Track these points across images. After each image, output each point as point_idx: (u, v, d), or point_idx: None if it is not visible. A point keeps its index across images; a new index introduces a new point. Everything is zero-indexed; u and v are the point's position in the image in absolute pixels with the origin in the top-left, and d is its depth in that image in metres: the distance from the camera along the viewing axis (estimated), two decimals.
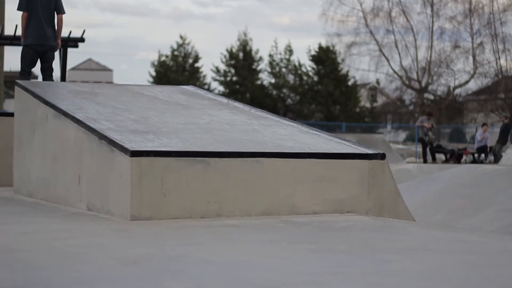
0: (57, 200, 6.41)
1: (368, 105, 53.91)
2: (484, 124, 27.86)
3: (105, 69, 65.44)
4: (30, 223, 5.31)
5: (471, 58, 45.27)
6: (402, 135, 50.75)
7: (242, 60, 51.31)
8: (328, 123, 43.13)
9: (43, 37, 9.53)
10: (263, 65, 52.08)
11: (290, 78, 51.87)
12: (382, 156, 5.97)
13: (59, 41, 9.79)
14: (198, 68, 52.83)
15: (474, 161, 26.22)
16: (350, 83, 50.80)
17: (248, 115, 7.18)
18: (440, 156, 28.06)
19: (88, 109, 6.61)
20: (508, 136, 26.25)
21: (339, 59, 50.68)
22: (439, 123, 42.00)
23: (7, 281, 3.16)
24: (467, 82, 46.65)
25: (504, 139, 25.44)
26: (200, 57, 53.41)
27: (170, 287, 3.11)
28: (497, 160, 24.16)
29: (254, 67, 51.75)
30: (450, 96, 48.60)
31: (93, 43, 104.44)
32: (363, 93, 54.47)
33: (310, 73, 51.24)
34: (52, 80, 9.45)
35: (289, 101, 51.91)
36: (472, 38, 44.85)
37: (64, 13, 9.70)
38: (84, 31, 12.06)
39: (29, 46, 9.56)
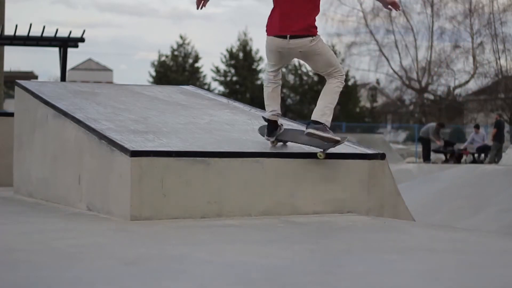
0: (57, 200, 6.40)
1: (368, 105, 53.91)
2: (475, 126, 27.71)
3: (105, 69, 65.40)
4: (30, 223, 5.31)
5: (471, 58, 45.22)
6: (402, 135, 50.70)
7: (242, 60, 51.32)
8: None
9: None
10: (263, 65, 52.06)
11: (290, 78, 51.86)
12: (382, 156, 5.97)
13: None
14: (198, 68, 52.84)
15: (474, 161, 26.20)
16: (350, 83, 50.77)
17: (248, 115, 7.17)
18: (440, 156, 28.01)
19: (88, 109, 6.61)
20: (503, 133, 26.21)
21: (339, 59, 50.68)
22: None
23: (7, 281, 3.16)
24: (467, 82, 46.61)
25: (499, 136, 25.39)
26: (200, 57, 53.46)
27: (170, 287, 3.11)
28: (496, 158, 24.12)
29: (254, 67, 51.76)
30: (450, 96, 48.57)
31: (93, 43, 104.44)
32: (363, 93, 54.46)
33: (310, 73, 51.23)
34: None
35: (289, 101, 51.90)
36: (472, 38, 44.82)
37: None
38: (84, 31, 12.04)
39: None
